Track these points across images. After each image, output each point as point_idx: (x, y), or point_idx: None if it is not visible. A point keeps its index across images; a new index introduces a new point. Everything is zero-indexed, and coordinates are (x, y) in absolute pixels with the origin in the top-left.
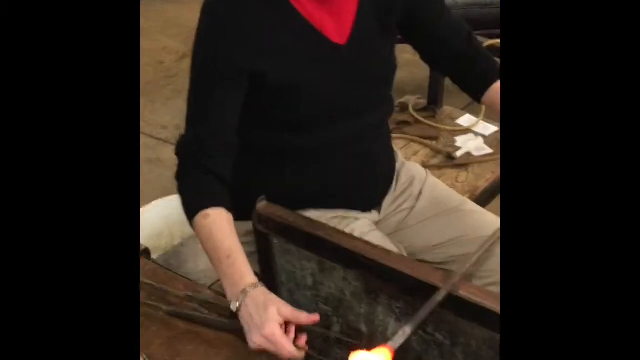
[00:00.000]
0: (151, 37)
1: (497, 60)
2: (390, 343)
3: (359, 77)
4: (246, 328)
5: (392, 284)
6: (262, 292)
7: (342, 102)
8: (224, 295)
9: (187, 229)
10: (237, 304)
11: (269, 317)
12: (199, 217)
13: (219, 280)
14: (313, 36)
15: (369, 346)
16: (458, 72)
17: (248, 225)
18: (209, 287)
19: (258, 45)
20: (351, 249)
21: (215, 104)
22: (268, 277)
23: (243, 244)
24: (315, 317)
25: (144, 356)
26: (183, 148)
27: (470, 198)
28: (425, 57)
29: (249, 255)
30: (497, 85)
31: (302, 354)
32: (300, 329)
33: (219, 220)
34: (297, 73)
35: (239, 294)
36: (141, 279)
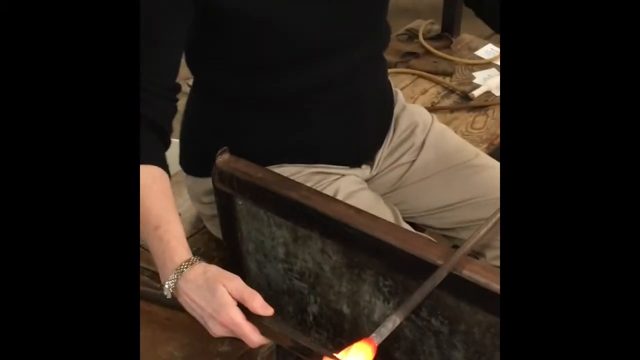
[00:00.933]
0: None
1: None
2: (373, 336)
3: (340, 7)
4: (198, 318)
5: (380, 259)
6: (201, 271)
7: (323, 37)
8: None
9: None
10: (170, 289)
11: (220, 302)
12: None
13: None
14: None
15: (352, 331)
16: None
17: (210, 183)
18: None
19: None
20: (329, 215)
21: (157, 40)
22: (232, 245)
23: (203, 204)
24: (270, 311)
25: None
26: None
27: (488, 148)
28: None
29: (209, 218)
30: None
31: (265, 341)
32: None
33: (149, 181)
34: (263, 3)
35: (171, 275)
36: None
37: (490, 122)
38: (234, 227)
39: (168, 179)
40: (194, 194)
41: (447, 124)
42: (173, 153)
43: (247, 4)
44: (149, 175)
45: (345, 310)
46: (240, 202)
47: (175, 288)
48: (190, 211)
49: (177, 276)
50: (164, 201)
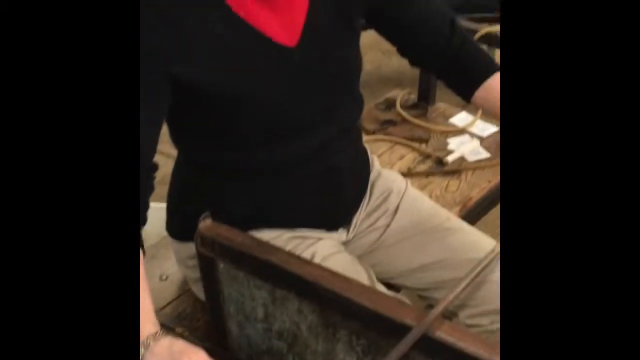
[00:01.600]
0: None
1: (496, 50)
2: None
3: (314, 83)
4: None
5: (353, 319)
6: (167, 344)
7: (295, 115)
8: (173, 328)
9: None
10: (143, 351)
11: (193, 350)
12: None
13: (167, 304)
14: (256, 39)
15: None
16: (440, 66)
17: (194, 247)
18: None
19: (185, 43)
20: (304, 277)
21: (141, 111)
22: (214, 307)
23: (188, 268)
24: None
25: None
26: None
27: (461, 210)
28: (402, 51)
29: (194, 281)
30: (490, 83)
31: None
32: None
33: None
34: (235, 81)
35: (144, 343)
36: None
37: (464, 186)
38: (216, 289)
39: (141, 255)
40: (179, 258)
41: (423, 187)
42: (160, 218)
43: (222, 84)
44: None
45: None
46: (221, 265)
47: (144, 357)
48: (177, 274)
49: (144, 349)
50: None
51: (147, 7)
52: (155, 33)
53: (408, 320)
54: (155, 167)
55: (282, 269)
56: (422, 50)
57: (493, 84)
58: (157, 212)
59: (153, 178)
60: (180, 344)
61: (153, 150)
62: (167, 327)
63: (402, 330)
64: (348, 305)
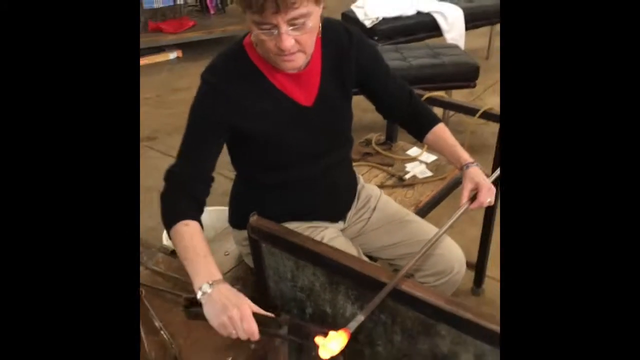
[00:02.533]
0: None
1: (435, 108)
2: (347, 327)
3: (323, 129)
4: (217, 307)
5: (348, 278)
6: (228, 285)
7: (310, 149)
8: (233, 286)
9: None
10: (209, 289)
11: (243, 300)
12: (181, 224)
13: (229, 271)
14: (286, 102)
15: (333, 323)
16: (403, 120)
17: (246, 233)
18: None
19: (240, 109)
20: (318, 252)
21: (201, 148)
22: (259, 272)
23: (242, 247)
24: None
25: (166, 332)
26: (172, 176)
27: (415, 209)
28: (378, 109)
29: (246, 255)
30: (434, 129)
31: (257, 334)
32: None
33: (197, 230)
34: (273, 130)
35: (210, 283)
36: (168, 272)
37: (416, 194)
38: (261, 260)
39: (202, 231)
40: (237, 241)
41: (390, 194)
42: (221, 218)
43: (263, 131)
44: (197, 227)
45: (328, 310)
46: (264, 245)
47: (209, 294)
48: (235, 251)
49: (212, 287)
50: (205, 242)
51: (215, 91)
52: (221, 107)
53: (383, 279)
54: (212, 179)
55: (302, 247)
56: (390, 109)
57: (436, 130)
58: (221, 213)
59: (210, 186)
60: (235, 291)
61: (212, 170)
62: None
63: (379, 285)
64: (345, 269)
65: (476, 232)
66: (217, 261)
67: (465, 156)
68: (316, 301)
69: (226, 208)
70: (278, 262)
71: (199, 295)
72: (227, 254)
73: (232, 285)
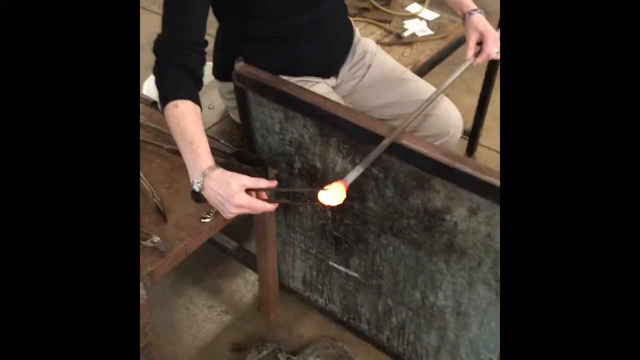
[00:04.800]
0: None
1: None
2: (344, 179)
3: None
4: (217, 205)
5: (341, 130)
6: (220, 172)
7: None
8: (217, 140)
9: None
10: (199, 184)
11: (233, 190)
12: (170, 106)
13: (213, 125)
14: None
15: (322, 178)
16: None
17: (231, 85)
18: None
19: None
20: (309, 102)
21: (187, 9)
22: (246, 124)
23: (227, 100)
24: (273, 183)
25: (147, 182)
26: (160, 47)
27: (413, 69)
28: None
29: (231, 109)
30: None
31: (274, 206)
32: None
33: (186, 111)
34: None
35: (199, 175)
36: (149, 123)
37: (415, 52)
38: (247, 112)
39: (199, 110)
40: (221, 93)
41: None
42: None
43: None
44: (186, 107)
45: (318, 165)
46: (250, 95)
47: (202, 184)
48: (220, 105)
49: (204, 176)
50: (196, 126)
51: None
52: None
53: (379, 131)
54: (206, 43)
55: (292, 96)
56: None
57: None
58: (206, 69)
59: (205, 53)
60: (228, 172)
61: (202, 29)
62: (215, 139)
63: (375, 138)
64: (338, 120)
65: (471, 101)
66: (202, 115)
67: (469, 2)
68: (305, 155)
69: (210, 64)
70: (266, 113)
71: (194, 188)
72: (212, 108)
73: (217, 139)
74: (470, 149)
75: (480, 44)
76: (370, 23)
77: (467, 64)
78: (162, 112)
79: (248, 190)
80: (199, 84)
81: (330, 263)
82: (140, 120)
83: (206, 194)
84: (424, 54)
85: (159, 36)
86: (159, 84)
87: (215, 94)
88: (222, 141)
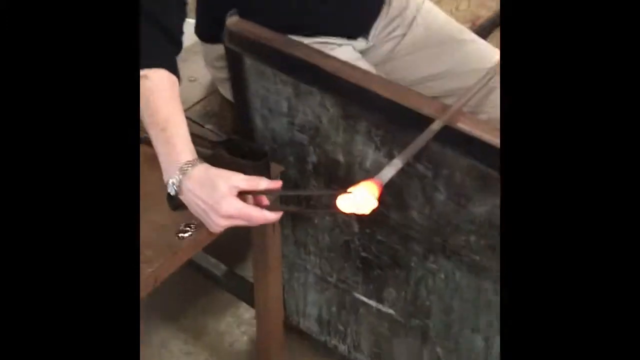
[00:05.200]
0: None
1: None
2: (378, 177)
3: None
4: (199, 214)
5: (374, 111)
6: (204, 169)
7: None
8: (201, 124)
9: None
10: (175, 186)
11: (221, 194)
12: (140, 78)
13: (196, 103)
14: None
15: (346, 177)
16: None
17: (221, 49)
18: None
19: None
20: (327, 69)
21: None
22: (241, 102)
23: (216, 69)
24: (277, 184)
25: None
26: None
27: (470, 29)
28: None
29: (221, 82)
30: None
31: (278, 215)
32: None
33: (158, 84)
34: None
35: (175, 174)
36: None
37: (473, 5)
38: (243, 86)
39: (177, 82)
40: (208, 60)
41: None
42: (189, 32)
43: None
44: (159, 79)
45: (340, 158)
46: (248, 62)
47: (179, 186)
48: (205, 77)
49: (182, 175)
50: (172, 104)
51: None
52: None
53: (429, 112)
54: (186, 4)
55: (305, 62)
56: None
57: None
58: (186, 26)
59: (186, 3)
60: (214, 169)
61: None
62: (197, 123)
63: (421, 121)
64: (368, 96)
65: None
66: (180, 91)
67: None
68: (323, 145)
69: (192, 20)
70: (269, 87)
71: (168, 191)
72: (194, 80)
73: (201, 123)
74: None
75: None
76: None
77: None
78: None
79: (242, 194)
80: (177, 46)
81: (357, 295)
82: None
83: (185, 199)
84: (486, 7)
85: None
86: None
87: (198, 61)
88: (208, 126)
